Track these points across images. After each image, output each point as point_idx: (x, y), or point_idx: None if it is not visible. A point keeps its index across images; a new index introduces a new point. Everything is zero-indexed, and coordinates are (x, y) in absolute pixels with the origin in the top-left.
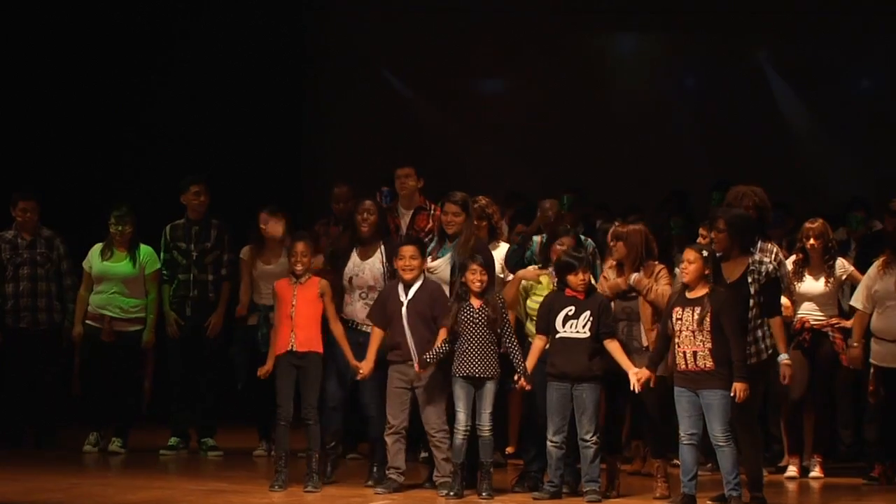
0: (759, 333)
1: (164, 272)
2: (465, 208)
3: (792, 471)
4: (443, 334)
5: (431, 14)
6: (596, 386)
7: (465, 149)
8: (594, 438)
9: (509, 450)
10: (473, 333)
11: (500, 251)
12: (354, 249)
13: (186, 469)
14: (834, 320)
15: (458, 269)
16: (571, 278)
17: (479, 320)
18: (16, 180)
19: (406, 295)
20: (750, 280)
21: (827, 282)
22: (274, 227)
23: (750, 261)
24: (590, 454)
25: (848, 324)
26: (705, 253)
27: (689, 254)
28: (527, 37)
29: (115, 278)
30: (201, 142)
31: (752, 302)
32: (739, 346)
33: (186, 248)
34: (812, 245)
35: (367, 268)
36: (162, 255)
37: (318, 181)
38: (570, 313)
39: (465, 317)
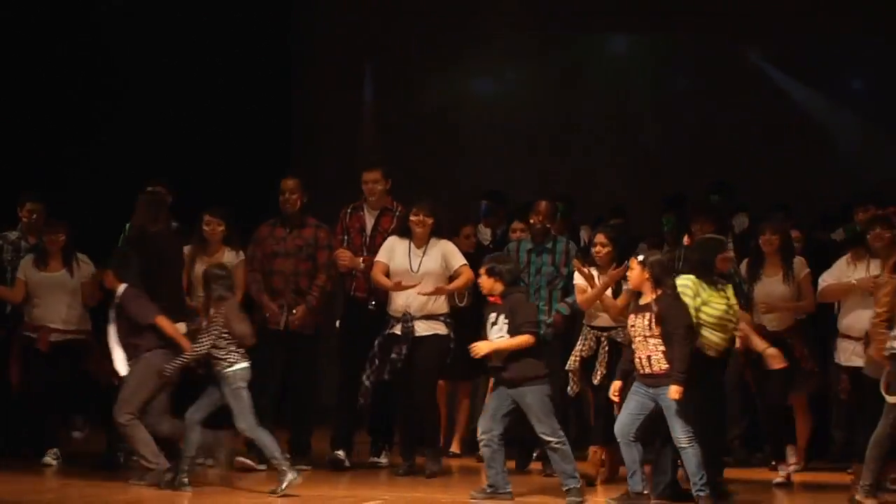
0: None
1: None
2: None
3: (781, 477)
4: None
5: (419, 14)
6: (540, 387)
7: (452, 150)
8: (554, 439)
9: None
10: None
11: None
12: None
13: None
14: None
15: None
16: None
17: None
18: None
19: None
20: None
21: (785, 281)
22: None
23: None
24: (555, 455)
25: None
26: (641, 258)
27: (632, 261)
28: (518, 38)
29: (54, 288)
30: (189, 142)
31: None
32: (679, 350)
33: None
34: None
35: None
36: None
37: (308, 182)
38: (493, 319)
39: None
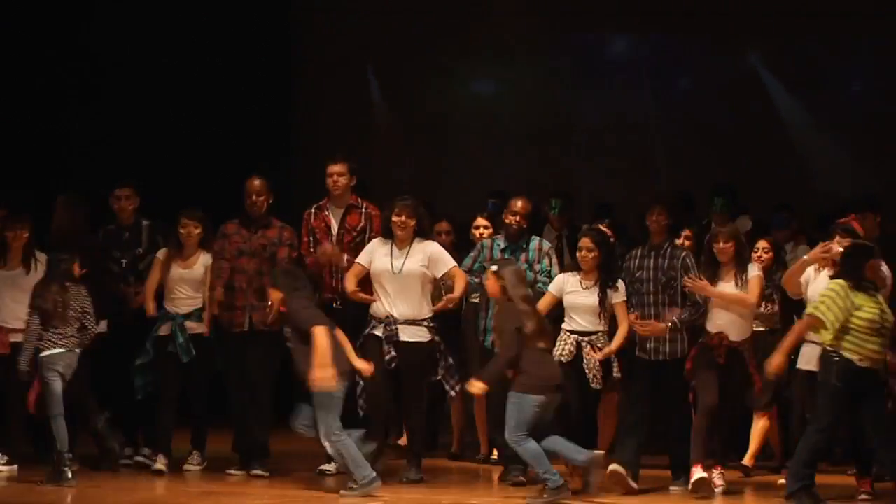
0: None
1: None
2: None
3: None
4: None
5: (419, 15)
6: None
7: (452, 150)
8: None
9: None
10: None
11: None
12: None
13: (173, 474)
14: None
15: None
16: None
17: None
18: None
19: None
20: None
21: (738, 285)
22: None
23: None
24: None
25: None
26: (494, 268)
27: (487, 271)
28: (517, 37)
29: (10, 286)
30: (189, 142)
31: None
32: (501, 352)
33: (118, 257)
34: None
35: None
36: None
37: (307, 183)
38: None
39: None
